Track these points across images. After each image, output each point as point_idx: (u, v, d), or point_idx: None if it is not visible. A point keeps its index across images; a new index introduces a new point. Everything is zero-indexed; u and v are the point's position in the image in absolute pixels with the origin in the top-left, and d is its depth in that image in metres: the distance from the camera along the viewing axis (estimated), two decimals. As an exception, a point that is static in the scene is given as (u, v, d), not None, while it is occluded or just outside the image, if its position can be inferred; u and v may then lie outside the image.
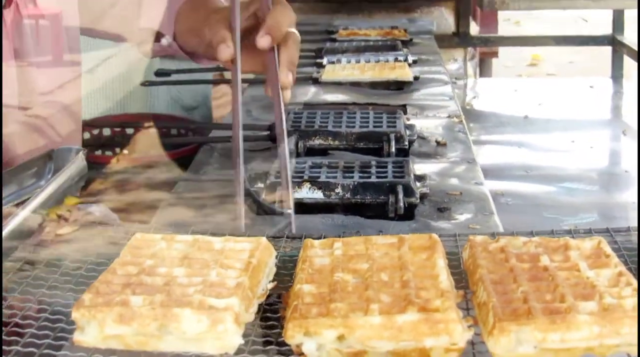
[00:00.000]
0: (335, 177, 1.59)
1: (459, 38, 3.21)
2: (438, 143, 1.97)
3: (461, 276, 1.00)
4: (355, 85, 2.41)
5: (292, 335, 0.84)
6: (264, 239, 1.01)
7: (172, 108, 2.60)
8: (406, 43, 2.89)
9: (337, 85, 2.42)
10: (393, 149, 1.84)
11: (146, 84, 2.52)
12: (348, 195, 1.55)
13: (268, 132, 1.94)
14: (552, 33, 3.16)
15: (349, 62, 2.58)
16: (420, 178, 1.64)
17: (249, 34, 1.32)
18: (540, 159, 2.39)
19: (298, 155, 1.84)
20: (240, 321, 0.86)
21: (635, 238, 1.06)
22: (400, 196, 1.49)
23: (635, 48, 2.88)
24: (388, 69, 2.46)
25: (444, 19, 3.27)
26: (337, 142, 1.91)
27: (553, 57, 6.03)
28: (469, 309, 0.92)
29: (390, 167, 1.65)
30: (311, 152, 1.87)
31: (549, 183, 2.19)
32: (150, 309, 0.85)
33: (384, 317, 0.84)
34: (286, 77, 1.31)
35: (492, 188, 1.70)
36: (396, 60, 2.58)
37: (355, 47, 2.77)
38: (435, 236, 1.00)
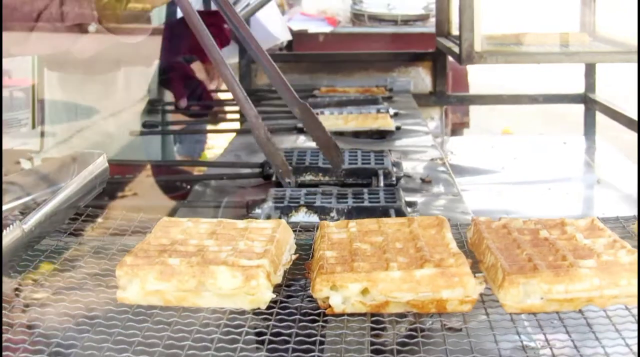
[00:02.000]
0: (330, 202, 1.66)
1: (436, 97, 3.32)
2: (423, 180, 2.05)
3: (467, 255, 1.07)
4: (339, 134, 2.50)
5: (320, 289, 0.91)
6: (283, 221, 1.09)
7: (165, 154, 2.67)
8: (386, 99, 2.99)
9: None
10: (382, 184, 1.91)
11: (135, 133, 2.59)
12: (343, 218, 1.62)
13: (260, 170, 2.01)
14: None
15: (332, 113, 2.67)
16: (410, 204, 1.71)
17: None
18: (519, 205, 2.47)
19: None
20: (271, 279, 0.94)
21: None
22: (393, 219, 1.56)
23: (608, 105, 2.99)
24: (371, 119, 2.56)
25: (421, 79, 3.38)
26: (327, 178, 1.98)
27: (524, 129, 6.18)
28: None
29: (382, 194, 1.73)
30: (302, 187, 1.94)
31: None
32: (189, 267, 0.92)
33: (403, 272, 0.91)
34: None
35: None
36: (378, 111, 2.68)
37: (337, 101, 2.87)
38: (441, 216, 1.08)
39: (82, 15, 1.64)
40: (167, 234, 1.04)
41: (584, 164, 3.00)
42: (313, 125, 1.52)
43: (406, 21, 5.60)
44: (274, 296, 0.93)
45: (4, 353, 0.82)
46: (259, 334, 0.87)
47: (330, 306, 0.92)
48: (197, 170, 2.53)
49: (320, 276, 0.92)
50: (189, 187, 2.05)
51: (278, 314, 0.91)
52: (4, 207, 1.11)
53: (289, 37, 4.14)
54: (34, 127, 1.91)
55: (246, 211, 1.67)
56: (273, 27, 3.69)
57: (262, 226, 1.07)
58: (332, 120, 2.55)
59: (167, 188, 2.14)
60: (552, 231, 1.04)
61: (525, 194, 2.57)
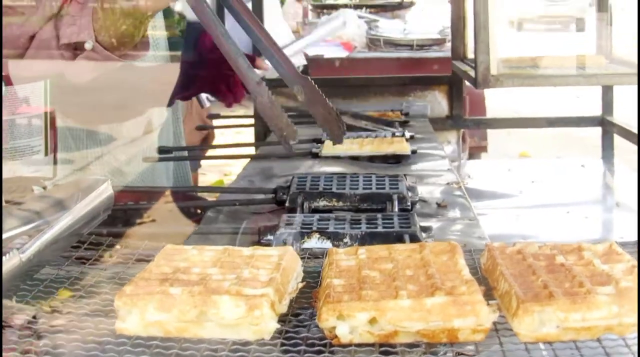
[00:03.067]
0: (343, 228, 1.63)
1: (453, 120, 3.29)
2: (439, 205, 2.01)
3: (480, 282, 1.04)
4: (354, 159, 2.47)
5: (326, 318, 0.88)
6: (290, 248, 1.06)
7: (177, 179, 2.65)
8: (402, 124, 2.96)
9: (337, 159, 2.48)
10: (396, 209, 1.88)
11: (149, 160, 2.56)
12: (356, 244, 1.58)
13: (273, 195, 1.99)
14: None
15: (347, 138, 2.64)
16: (425, 229, 1.68)
17: None
18: (537, 229, 2.43)
19: (304, 214, 1.88)
20: (275, 309, 0.90)
21: None
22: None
23: (626, 127, 2.95)
24: (386, 143, 2.53)
25: (438, 103, 3.35)
26: (341, 203, 1.94)
27: (541, 153, 6.14)
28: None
29: (396, 219, 1.70)
30: (316, 213, 1.91)
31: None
32: (190, 297, 0.89)
33: (413, 300, 0.88)
34: None
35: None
36: (393, 135, 2.65)
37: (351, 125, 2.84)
38: (454, 242, 1.05)
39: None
40: (169, 262, 1.01)
41: (602, 187, 2.96)
42: (315, 100, 1.46)
43: (422, 46, 5.58)
44: (279, 326, 0.90)
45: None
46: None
47: (337, 336, 0.88)
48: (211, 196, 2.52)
49: (326, 305, 0.88)
50: (201, 213, 2.03)
51: (283, 344, 0.88)
52: (5, 235, 1.08)
53: (303, 62, 4.12)
54: (46, 154, 1.89)
55: (258, 237, 1.64)
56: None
57: (269, 253, 1.04)
58: (347, 145, 2.53)
59: (179, 215, 2.11)
60: (568, 257, 1.01)
61: (544, 218, 2.54)
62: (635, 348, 0.87)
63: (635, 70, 2.62)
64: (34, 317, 0.95)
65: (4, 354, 0.85)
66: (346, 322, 0.88)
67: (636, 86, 2.47)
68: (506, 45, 2.95)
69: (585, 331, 0.87)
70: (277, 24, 3.62)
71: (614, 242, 1.04)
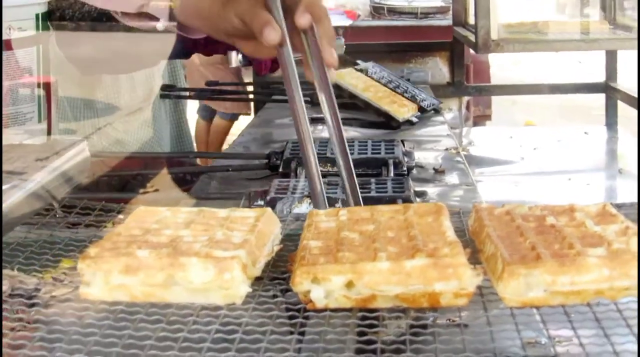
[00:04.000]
0: (335, 193, 1.59)
1: (454, 87, 3.23)
2: (436, 170, 1.97)
3: (467, 244, 0.99)
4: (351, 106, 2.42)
5: (300, 282, 0.83)
6: (268, 209, 1.01)
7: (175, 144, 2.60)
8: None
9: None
10: (391, 175, 1.84)
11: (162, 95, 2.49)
12: (348, 209, 1.54)
13: (266, 161, 1.94)
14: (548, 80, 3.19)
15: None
16: (420, 194, 1.64)
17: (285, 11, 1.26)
18: (538, 196, 2.38)
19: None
20: (247, 272, 0.85)
21: None
22: (401, 209, 1.48)
23: (630, 93, 2.90)
24: (389, 100, 2.47)
25: (439, 69, 3.29)
26: (335, 168, 1.91)
27: (546, 122, 6.08)
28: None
29: (389, 184, 1.65)
30: (308, 177, 1.87)
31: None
32: (157, 259, 0.84)
33: (392, 263, 0.83)
34: (331, 55, 1.24)
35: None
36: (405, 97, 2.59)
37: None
38: (440, 203, 1.00)
39: None
40: (141, 224, 0.96)
41: (605, 154, 2.90)
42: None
43: (426, 14, 5.50)
44: (250, 290, 0.85)
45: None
46: (230, 332, 0.78)
47: (311, 301, 0.83)
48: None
49: (300, 267, 0.84)
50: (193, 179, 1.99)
51: (254, 309, 0.83)
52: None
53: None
54: (40, 121, 1.86)
55: (248, 202, 1.60)
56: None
57: (246, 215, 0.99)
58: (359, 80, 2.48)
59: (171, 181, 2.07)
60: (559, 218, 0.96)
61: (544, 185, 2.49)
62: (628, 313, 0.82)
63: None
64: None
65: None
66: (321, 286, 0.83)
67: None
68: (508, 9, 2.90)
69: (575, 295, 0.82)
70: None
71: (608, 203, 0.99)
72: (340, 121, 1.25)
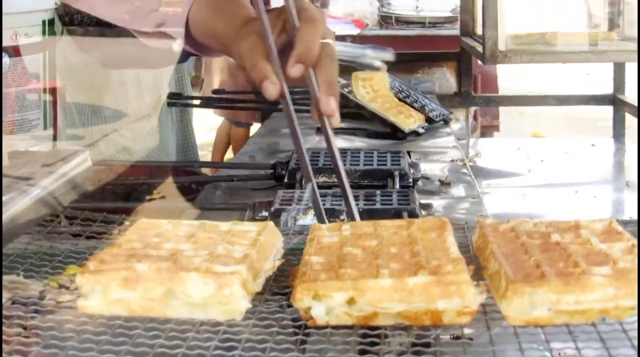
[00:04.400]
0: (340, 205, 1.58)
1: (461, 98, 3.22)
2: (442, 182, 1.96)
3: (471, 260, 0.98)
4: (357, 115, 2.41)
5: (301, 298, 0.82)
6: (270, 223, 1.00)
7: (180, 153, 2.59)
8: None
9: (342, 135, 2.42)
10: (397, 186, 1.82)
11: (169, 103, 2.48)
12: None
13: (272, 171, 1.93)
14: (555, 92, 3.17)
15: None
16: (425, 206, 1.62)
17: (283, 50, 1.19)
18: (545, 209, 2.37)
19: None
20: (248, 288, 0.84)
21: None
22: (406, 222, 1.47)
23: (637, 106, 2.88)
24: (396, 111, 2.45)
25: (446, 80, 3.28)
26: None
27: (554, 134, 6.06)
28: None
29: (395, 196, 1.64)
30: (314, 189, 1.86)
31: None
32: (156, 273, 0.83)
33: (394, 280, 0.82)
34: (326, 105, 1.16)
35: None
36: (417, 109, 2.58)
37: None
38: (444, 218, 0.99)
39: None
40: (141, 237, 0.95)
41: (612, 167, 2.89)
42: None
43: (434, 23, 5.51)
44: (251, 306, 0.84)
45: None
46: (229, 348, 0.77)
47: (312, 318, 0.82)
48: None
49: (301, 284, 0.83)
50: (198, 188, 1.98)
51: (254, 325, 0.82)
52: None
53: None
54: (45, 128, 1.85)
55: (252, 213, 1.59)
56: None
57: (247, 229, 0.98)
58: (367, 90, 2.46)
59: (176, 190, 2.06)
60: (564, 235, 0.94)
61: (551, 197, 2.48)
62: (634, 333, 0.81)
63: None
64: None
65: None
66: (322, 302, 0.82)
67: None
68: (516, 21, 2.89)
69: (579, 315, 0.81)
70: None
71: (614, 220, 0.97)
72: (343, 170, 1.27)
